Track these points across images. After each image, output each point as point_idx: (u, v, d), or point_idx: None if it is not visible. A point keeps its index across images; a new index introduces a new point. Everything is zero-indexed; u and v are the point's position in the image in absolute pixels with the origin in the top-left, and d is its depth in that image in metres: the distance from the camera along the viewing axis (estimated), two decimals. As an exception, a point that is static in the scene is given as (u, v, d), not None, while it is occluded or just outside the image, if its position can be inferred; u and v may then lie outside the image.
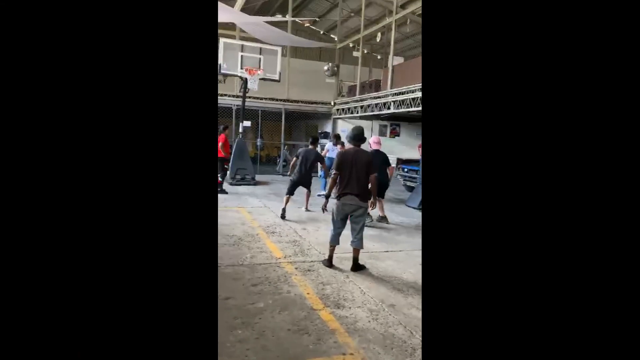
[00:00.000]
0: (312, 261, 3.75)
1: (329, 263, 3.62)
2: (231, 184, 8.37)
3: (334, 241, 3.60)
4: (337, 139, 7.58)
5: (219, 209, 5.88)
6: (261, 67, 8.44)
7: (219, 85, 10.75)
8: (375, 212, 5.59)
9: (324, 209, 3.72)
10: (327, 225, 4.38)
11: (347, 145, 3.94)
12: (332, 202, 3.62)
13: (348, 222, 3.59)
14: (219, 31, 10.86)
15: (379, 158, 5.24)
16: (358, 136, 3.60)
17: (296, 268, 3.54)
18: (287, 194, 5.77)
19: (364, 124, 11.12)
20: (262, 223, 5.21)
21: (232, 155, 8.50)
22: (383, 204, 5.75)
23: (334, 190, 3.56)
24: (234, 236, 4.45)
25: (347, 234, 3.64)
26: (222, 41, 8.35)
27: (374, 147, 5.36)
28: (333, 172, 3.53)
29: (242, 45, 8.52)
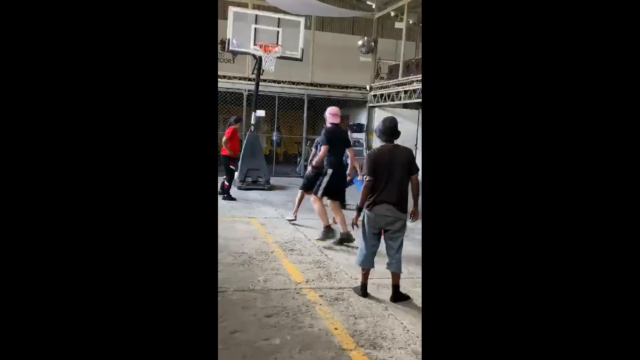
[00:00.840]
0: (340, 288, 3.76)
1: (362, 291, 3.61)
2: (240, 189, 8.51)
3: (367, 263, 3.59)
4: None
5: (225, 219, 6.00)
6: (279, 43, 8.54)
7: (227, 65, 11.01)
8: (337, 228, 5.14)
9: (355, 224, 3.66)
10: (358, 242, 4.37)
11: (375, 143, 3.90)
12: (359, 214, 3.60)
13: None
14: (228, -1, 11.11)
15: (338, 136, 5.23)
16: (391, 130, 3.56)
17: (321, 296, 3.56)
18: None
19: (407, 113, 11.04)
20: (279, 238, 5.26)
21: (241, 153, 8.65)
22: (342, 214, 5.13)
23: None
24: (243, 254, 4.52)
25: (382, 252, 3.61)
26: (231, 11, 8.52)
27: (333, 120, 5.27)
28: (365, 177, 3.51)
29: (256, 16, 8.66)
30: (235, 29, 8.44)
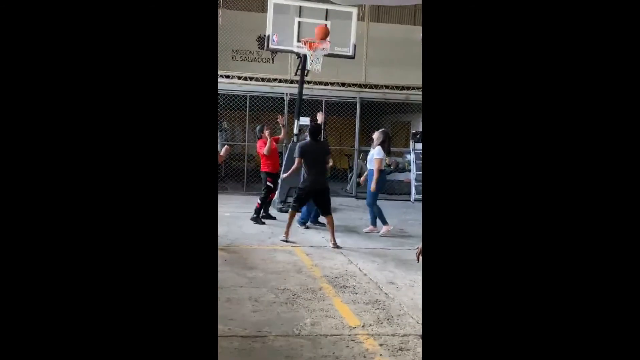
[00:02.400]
0: (405, 335, 3.69)
1: (432, 339, 3.53)
2: (281, 211, 8.57)
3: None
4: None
5: (263, 248, 6.07)
6: (327, 39, 8.63)
7: (266, 65, 11.26)
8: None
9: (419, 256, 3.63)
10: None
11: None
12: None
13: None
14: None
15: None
16: None
17: (381, 345, 3.50)
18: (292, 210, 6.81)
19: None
20: (328, 271, 5.25)
21: (282, 168, 8.75)
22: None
23: None
24: (286, 290, 4.54)
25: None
26: (271, 2, 8.71)
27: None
28: None
29: (300, 8, 8.83)
30: (276, 23, 8.63)
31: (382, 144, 7.25)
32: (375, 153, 7.32)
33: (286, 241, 6.40)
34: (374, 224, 7.43)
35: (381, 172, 7.36)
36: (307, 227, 7.58)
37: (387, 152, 7.44)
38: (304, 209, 7.64)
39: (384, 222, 7.37)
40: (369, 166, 7.54)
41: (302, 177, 6.76)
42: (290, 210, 6.79)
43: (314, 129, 6.80)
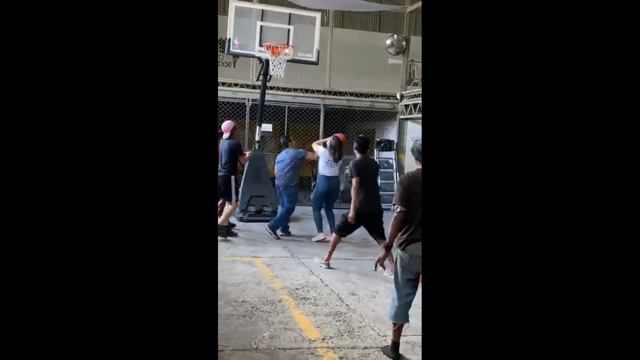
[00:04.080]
0: (366, 347, 3.72)
1: (393, 352, 3.56)
2: (242, 220, 8.52)
3: (401, 317, 3.54)
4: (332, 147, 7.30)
5: (222, 259, 5.99)
6: (290, 44, 8.67)
7: (228, 70, 11.19)
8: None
9: (381, 265, 3.67)
10: (388, 290, 4.31)
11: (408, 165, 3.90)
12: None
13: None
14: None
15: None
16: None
17: (341, 358, 3.51)
18: (336, 233, 6.09)
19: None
20: (288, 282, 5.24)
21: (243, 176, 8.70)
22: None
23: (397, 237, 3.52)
24: (245, 302, 4.50)
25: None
26: (232, 4, 8.69)
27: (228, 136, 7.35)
28: (397, 208, 3.49)
29: (263, 11, 8.82)
30: (238, 26, 8.58)
31: (330, 147, 7.18)
32: (319, 153, 7.40)
33: (328, 267, 5.94)
34: (320, 230, 7.52)
35: (325, 177, 7.36)
36: (278, 237, 7.48)
37: (336, 159, 7.24)
38: (280, 213, 7.67)
39: (319, 229, 7.50)
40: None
41: (279, 187, 6.91)
42: (334, 234, 6.23)
43: (364, 142, 6.09)
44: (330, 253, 5.98)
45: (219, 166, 7.22)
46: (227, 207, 7.31)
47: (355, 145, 6.07)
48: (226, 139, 7.33)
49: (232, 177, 7.29)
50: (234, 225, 7.80)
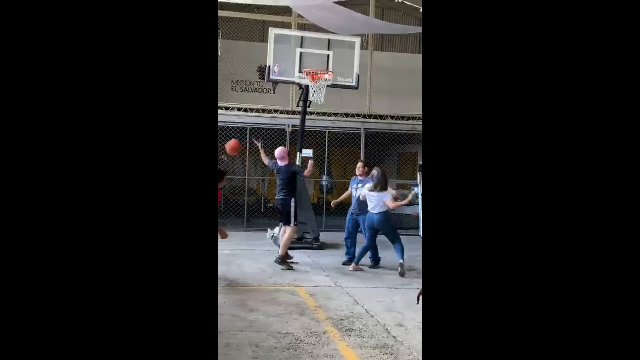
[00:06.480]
0: (415, 383, 3.62)
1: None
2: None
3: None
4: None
5: (264, 288, 6.01)
6: (330, 69, 8.76)
7: (267, 96, 11.39)
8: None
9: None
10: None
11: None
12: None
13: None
14: (266, 18, 11.63)
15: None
16: None
17: (389, 394, 3.43)
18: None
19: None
20: (333, 313, 5.19)
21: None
22: None
23: None
24: (288, 334, 4.48)
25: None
26: (272, 32, 8.89)
27: (283, 162, 7.48)
28: None
29: (302, 38, 8.98)
30: (277, 53, 8.76)
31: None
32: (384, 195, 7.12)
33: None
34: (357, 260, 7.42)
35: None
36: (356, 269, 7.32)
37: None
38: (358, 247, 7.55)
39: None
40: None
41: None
42: None
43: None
44: None
45: (276, 191, 7.50)
46: (287, 232, 7.37)
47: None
48: (284, 165, 7.48)
49: (292, 199, 7.42)
50: (291, 257, 7.67)
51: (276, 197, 7.57)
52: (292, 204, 7.36)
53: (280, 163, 7.48)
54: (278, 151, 7.55)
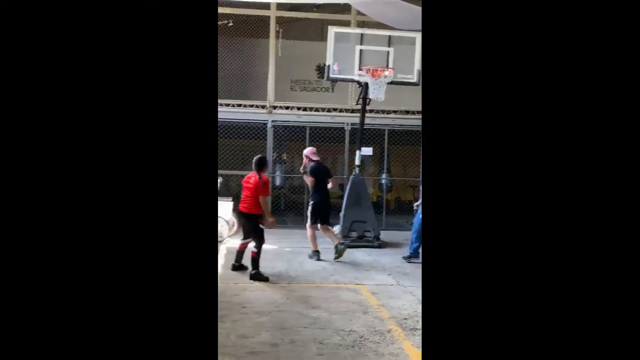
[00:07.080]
0: (484, 384, 3.53)
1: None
2: (349, 247, 8.53)
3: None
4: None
5: (326, 285, 6.04)
6: (390, 65, 8.69)
7: (326, 95, 11.42)
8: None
9: None
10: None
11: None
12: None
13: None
14: (325, 17, 11.66)
15: (320, 171, 7.74)
16: None
17: (458, 395, 3.36)
18: None
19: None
20: (396, 312, 5.16)
21: (344, 201, 8.76)
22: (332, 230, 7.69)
23: None
24: (352, 332, 4.48)
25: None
26: (331, 31, 8.88)
27: (314, 158, 7.75)
28: None
29: (362, 35, 8.94)
30: (337, 52, 8.75)
31: None
32: None
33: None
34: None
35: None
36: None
37: None
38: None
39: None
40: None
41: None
42: None
43: None
44: None
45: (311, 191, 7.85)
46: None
47: None
48: (318, 162, 7.79)
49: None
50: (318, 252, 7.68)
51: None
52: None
53: (315, 158, 7.78)
54: (311, 150, 7.89)
